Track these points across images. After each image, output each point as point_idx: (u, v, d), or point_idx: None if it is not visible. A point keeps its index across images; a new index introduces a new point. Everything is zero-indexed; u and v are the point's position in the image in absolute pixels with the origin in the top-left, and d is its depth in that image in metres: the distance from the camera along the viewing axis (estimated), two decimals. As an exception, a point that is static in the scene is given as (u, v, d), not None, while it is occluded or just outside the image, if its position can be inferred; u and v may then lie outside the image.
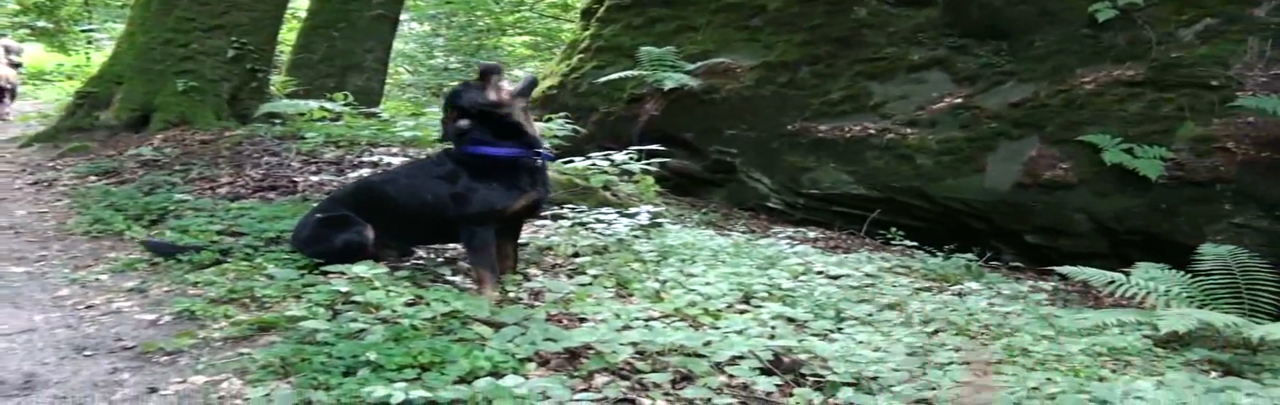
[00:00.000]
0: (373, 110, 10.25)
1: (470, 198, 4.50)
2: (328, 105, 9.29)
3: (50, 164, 9.05)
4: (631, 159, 7.60)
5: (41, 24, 32.07)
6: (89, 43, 28.72)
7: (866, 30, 10.09)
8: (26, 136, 10.66)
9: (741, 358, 3.46)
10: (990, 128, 8.68)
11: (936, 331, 4.45)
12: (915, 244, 7.71)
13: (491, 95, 4.49)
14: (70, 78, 23.17)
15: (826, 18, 10.41)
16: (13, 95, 11.61)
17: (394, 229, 4.78)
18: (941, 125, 8.99)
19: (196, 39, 9.84)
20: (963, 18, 9.57)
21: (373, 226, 4.70)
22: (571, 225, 6.12)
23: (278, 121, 9.65)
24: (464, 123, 4.51)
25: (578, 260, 5.36)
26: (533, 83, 4.82)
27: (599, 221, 6.14)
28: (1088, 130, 8.03)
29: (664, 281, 4.92)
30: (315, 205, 5.30)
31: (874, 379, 3.45)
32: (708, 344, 3.55)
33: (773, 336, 3.93)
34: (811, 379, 3.44)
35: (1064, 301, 6.58)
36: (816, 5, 10.55)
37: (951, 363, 3.74)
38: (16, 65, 24.61)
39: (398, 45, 15.88)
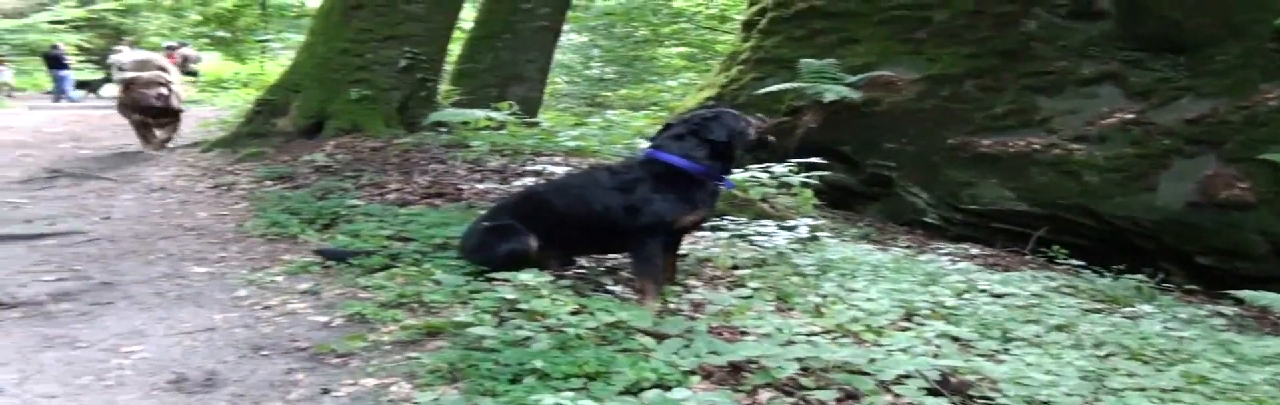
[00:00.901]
0: (534, 120, 10.41)
1: (645, 209, 4.54)
2: (493, 114, 9.46)
3: (229, 168, 9.40)
4: (791, 171, 7.55)
5: (220, 33, 33.45)
6: (263, 52, 29.76)
7: (1036, 43, 9.85)
8: (207, 142, 11.12)
9: (908, 377, 3.39)
10: (1163, 144, 8.39)
11: (1109, 355, 4.29)
12: (1082, 263, 7.47)
13: (751, 130, 4.71)
14: (245, 85, 24.04)
15: (994, 30, 10.20)
16: (175, 121, 10.77)
17: (558, 238, 4.82)
18: (1111, 141, 8.72)
19: (372, 49, 10.11)
20: (1138, 31, 9.27)
21: (537, 236, 4.75)
22: (730, 237, 6.11)
23: (444, 130, 9.86)
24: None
25: (737, 273, 5.34)
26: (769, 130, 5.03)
27: (758, 234, 6.12)
28: (1270, 148, 7.69)
29: (825, 296, 4.87)
30: (481, 213, 5.39)
31: (1046, 404, 3.35)
32: (873, 362, 3.48)
33: (936, 355, 3.85)
34: (980, 401, 3.35)
35: (1241, 327, 6.30)
36: (984, 18, 10.35)
37: (1127, 389, 3.61)
38: (194, 73, 25.84)
39: (556, 55, 16.14)
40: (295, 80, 10.53)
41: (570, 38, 25.13)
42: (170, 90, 10.74)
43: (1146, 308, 5.81)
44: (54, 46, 24.35)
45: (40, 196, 8.19)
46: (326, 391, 3.34)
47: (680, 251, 5.15)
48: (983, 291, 5.47)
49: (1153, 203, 8.18)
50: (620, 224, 4.59)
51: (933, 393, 3.30)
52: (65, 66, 23.96)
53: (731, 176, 5.08)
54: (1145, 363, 4.21)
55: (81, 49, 28.24)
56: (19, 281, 5.11)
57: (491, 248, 4.78)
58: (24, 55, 28.22)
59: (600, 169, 5.31)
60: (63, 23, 29.85)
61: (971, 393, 3.40)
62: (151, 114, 10.99)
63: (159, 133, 11.28)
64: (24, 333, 4.13)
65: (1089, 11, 9.69)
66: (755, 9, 13.38)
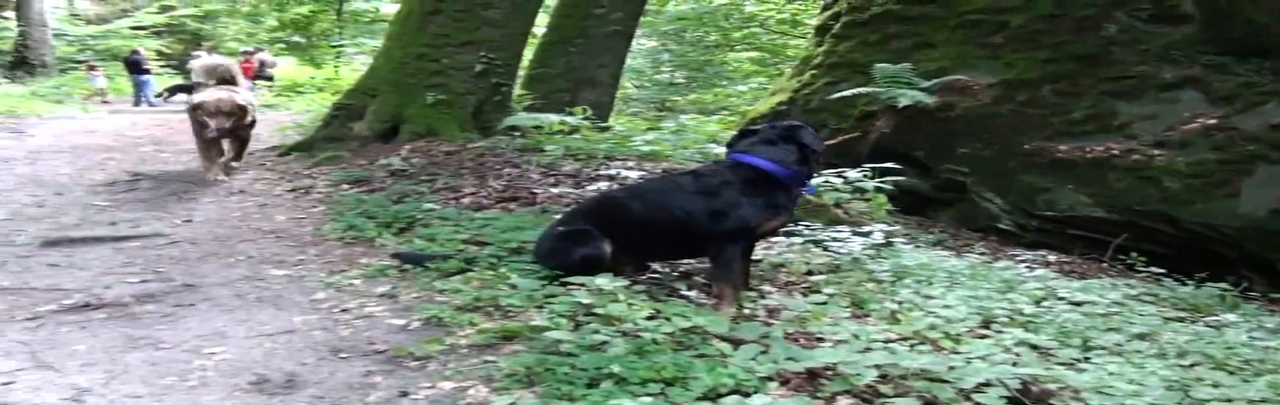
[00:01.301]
0: (606, 124, 10.43)
1: (731, 213, 4.56)
2: (568, 119, 9.50)
3: (307, 172, 9.54)
4: (865, 176, 7.51)
5: (295, 39, 33.91)
6: (338, 57, 30.09)
7: (1115, 48, 9.68)
8: (285, 146, 11.28)
9: (988, 385, 3.35)
10: (1247, 150, 8.22)
11: (1193, 365, 4.21)
12: (1162, 271, 7.34)
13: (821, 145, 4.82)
14: (320, 90, 24.33)
15: (1073, 35, 10.05)
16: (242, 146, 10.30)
17: (634, 243, 4.83)
18: (1192, 147, 8.56)
19: (448, 54, 10.19)
20: (1222, 35, 9.09)
21: (612, 241, 4.76)
22: (804, 242, 6.08)
23: (518, 134, 9.91)
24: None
25: (812, 278, 5.32)
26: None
27: (832, 239, 6.09)
28: (1357, 155, 7.51)
29: (901, 303, 4.84)
30: (557, 218, 5.41)
31: (1130, 413, 3.30)
32: (952, 369, 3.45)
33: (1016, 364, 3.81)
34: (1062, 410, 3.31)
35: (1329, 338, 6.15)
36: (1063, 22, 10.20)
37: (1213, 400, 3.54)
38: (270, 78, 26.23)
39: (626, 60, 16.18)
40: (372, 85, 10.64)
41: (640, 43, 25.18)
42: (238, 114, 9.40)
43: (1230, 316, 5.69)
44: (134, 52, 24.83)
45: (123, 199, 8.36)
46: (405, 394, 3.37)
47: (753, 256, 5.14)
48: (1061, 299, 5.39)
49: (1235, 210, 8.02)
50: (702, 228, 4.60)
51: (1013, 401, 3.26)
52: (146, 71, 24.41)
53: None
54: (1231, 373, 4.12)
55: (161, 54, 28.81)
56: (104, 283, 5.23)
57: (567, 252, 4.80)
58: (106, 60, 28.80)
59: (681, 173, 5.33)
60: (143, 28, 30.54)
61: (1053, 402, 3.35)
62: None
63: (226, 149, 9.81)
64: (109, 333, 4.23)
65: (1171, 15, 9.50)
66: (829, 13, 13.31)
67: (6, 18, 26.88)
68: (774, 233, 4.99)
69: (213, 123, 9.14)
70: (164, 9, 31.57)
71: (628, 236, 4.79)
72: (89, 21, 31.47)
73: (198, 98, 9.55)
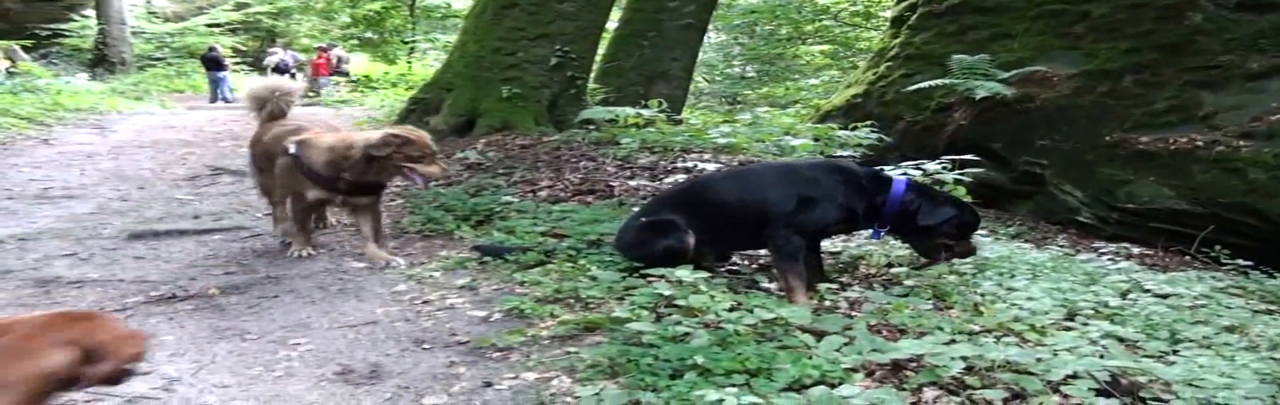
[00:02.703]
0: (679, 117, 10.41)
1: (815, 207, 4.57)
2: (643, 112, 9.51)
3: (383, 165, 9.59)
4: (944, 169, 7.42)
5: (368, 35, 34.25)
6: (411, 52, 30.33)
7: (1200, 37, 9.52)
8: (361, 140, 11.29)
9: (1076, 377, 3.29)
10: (1337, 141, 8.04)
11: (1286, 358, 4.13)
12: (1249, 263, 7.18)
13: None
14: (394, 85, 24.55)
15: (1156, 24, 9.88)
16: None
17: (718, 231, 4.82)
18: (1280, 138, 8.38)
19: (523, 47, 10.23)
20: (1311, 23, 8.90)
21: (696, 228, 4.76)
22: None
23: (592, 127, 9.93)
24: None
25: (892, 270, 5.28)
26: None
27: (913, 232, 6.02)
28: None
29: (983, 295, 4.79)
30: (638, 209, 5.41)
31: (1224, 407, 3.23)
32: (1039, 361, 3.40)
33: (1102, 356, 3.74)
34: (1153, 403, 3.25)
35: None
36: (1146, 11, 10.03)
37: (1309, 392, 3.46)
38: (345, 73, 26.55)
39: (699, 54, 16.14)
40: (447, 79, 10.72)
41: (710, 36, 25.14)
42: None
43: (1322, 310, 5.57)
44: (212, 49, 25.20)
45: (205, 193, 8.51)
46: (488, 384, 3.40)
47: (834, 249, 5.12)
48: (1147, 291, 5.31)
49: (1324, 202, 7.83)
50: (777, 217, 4.60)
51: (1102, 393, 3.20)
52: (223, 68, 24.78)
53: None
54: (1325, 367, 4.03)
55: (236, 51, 29.24)
56: (190, 275, 5.34)
57: (649, 244, 4.80)
58: (182, 58, 29.29)
59: (776, 163, 5.34)
60: (218, 25, 31.00)
61: (1143, 394, 3.30)
62: None
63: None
64: (196, 325, 4.32)
65: (1259, 3, 9.32)
66: (905, 5, 13.21)
67: (87, 16, 27.42)
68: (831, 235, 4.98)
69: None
70: (239, 6, 31.98)
71: (712, 223, 4.77)
72: (166, 19, 32.01)
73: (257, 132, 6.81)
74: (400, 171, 5.67)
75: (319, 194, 5.76)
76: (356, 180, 5.70)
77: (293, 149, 5.76)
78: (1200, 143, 8.80)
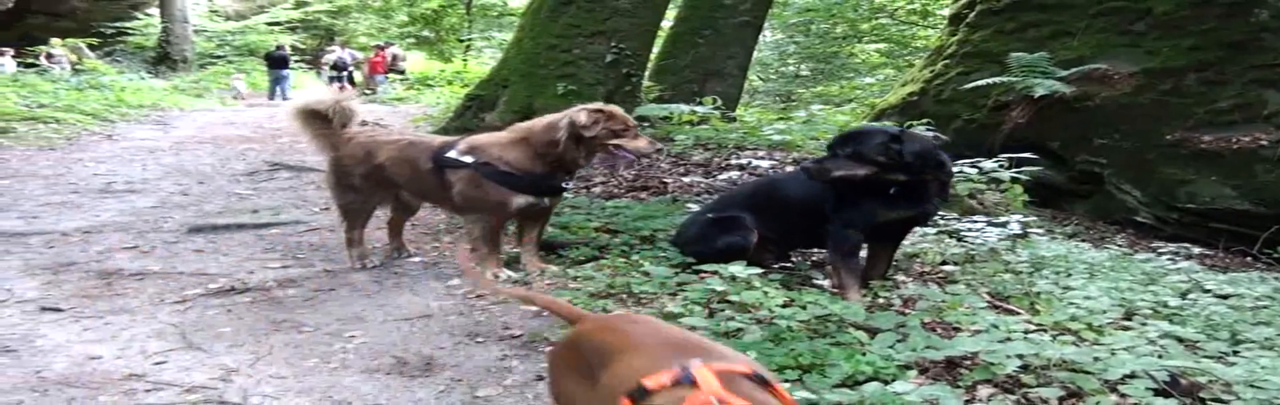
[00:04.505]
0: (733, 114, 10.38)
1: (860, 203, 4.53)
2: (698, 109, 9.49)
3: (440, 161, 9.64)
4: (1002, 167, 7.36)
5: (425, 33, 34.48)
6: (467, 50, 30.48)
7: (1266, 34, 9.35)
8: (418, 136, 11.36)
9: (1133, 377, 3.26)
10: (1404, 141, 7.87)
11: (1351, 361, 4.05)
12: (1314, 265, 7.06)
13: None
14: (450, 83, 24.70)
15: (1220, 21, 9.72)
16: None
17: (786, 228, 4.83)
18: (1346, 138, 8.22)
19: (579, 44, 10.22)
20: (1379, 21, 8.72)
21: (762, 228, 4.75)
22: (938, 233, 6.00)
23: (647, 124, 9.93)
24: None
25: (946, 268, 5.25)
26: None
27: (967, 230, 5.99)
28: None
29: (1039, 293, 4.75)
30: (704, 204, 5.39)
31: (1285, 409, 3.18)
32: (1097, 360, 3.37)
33: (1161, 356, 3.70)
34: (1213, 404, 3.20)
35: None
36: (1210, 8, 9.87)
37: (1372, 395, 3.39)
38: (402, 71, 26.76)
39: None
40: (504, 75, 10.73)
41: (765, 35, 25.08)
42: None
43: (1388, 312, 5.45)
44: (279, 47, 25.47)
45: (264, 188, 8.59)
46: (541, 378, 3.41)
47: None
48: (1207, 292, 5.25)
49: (1390, 203, 7.68)
50: (832, 213, 4.58)
51: (1160, 393, 3.17)
52: (287, 66, 25.04)
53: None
54: (1391, 369, 3.95)
55: (295, 49, 29.53)
56: (248, 268, 5.41)
57: (710, 240, 4.81)
58: (243, 55, 29.62)
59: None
60: (279, 24, 31.33)
61: (1202, 395, 3.25)
62: None
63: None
64: (254, 316, 4.38)
65: (1327, 0, 9.16)
66: (963, 2, 13.10)
67: (150, 15, 27.81)
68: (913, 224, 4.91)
69: None
70: (299, 5, 32.28)
71: (778, 221, 4.77)
72: (228, 18, 32.36)
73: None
74: (604, 150, 5.05)
75: (526, 199, 4.98)
76: (571, 171, 5.13)
77: (468, 159, 4.98)
78: (1264, 142, 8.66)
